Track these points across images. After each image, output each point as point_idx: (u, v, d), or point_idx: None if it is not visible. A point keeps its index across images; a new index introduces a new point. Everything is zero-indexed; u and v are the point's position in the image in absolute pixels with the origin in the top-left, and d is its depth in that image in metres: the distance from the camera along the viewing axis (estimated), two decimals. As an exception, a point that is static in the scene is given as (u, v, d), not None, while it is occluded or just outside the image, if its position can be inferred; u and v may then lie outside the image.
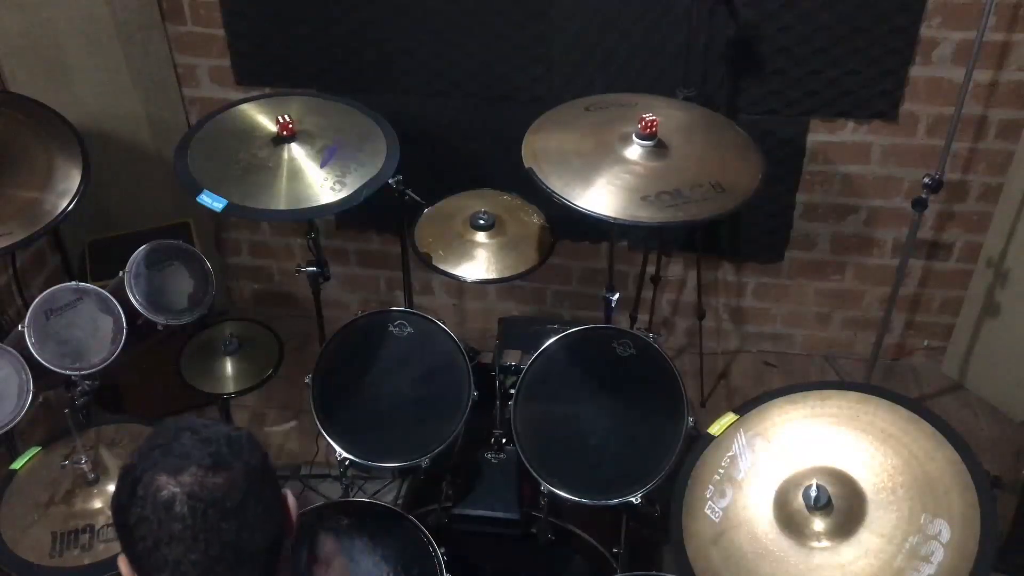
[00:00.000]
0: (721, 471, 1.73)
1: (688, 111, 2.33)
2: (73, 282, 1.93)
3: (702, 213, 1.95)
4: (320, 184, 2.14)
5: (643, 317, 2.95)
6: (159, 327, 1.96)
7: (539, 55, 2.70)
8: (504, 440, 2.29)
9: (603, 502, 2.06)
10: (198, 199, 2.07)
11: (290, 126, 2.18)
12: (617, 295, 2.37)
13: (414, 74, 2.79)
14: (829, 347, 3.19)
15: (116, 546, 1.11)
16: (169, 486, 1.04)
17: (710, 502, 1.70)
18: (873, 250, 2.94)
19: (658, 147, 2.07)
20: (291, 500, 1.18)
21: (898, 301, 2.81)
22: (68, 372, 1.87)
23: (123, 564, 1.10)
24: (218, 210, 2.06)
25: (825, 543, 1.54)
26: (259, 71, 2.88)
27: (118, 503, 1.07)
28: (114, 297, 1.92)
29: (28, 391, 1.83)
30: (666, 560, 2.37)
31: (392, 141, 2.28)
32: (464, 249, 2.34)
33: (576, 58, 2.69)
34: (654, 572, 2.01)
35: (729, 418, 1.81)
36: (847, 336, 3.15)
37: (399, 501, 2.53)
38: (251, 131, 2.26)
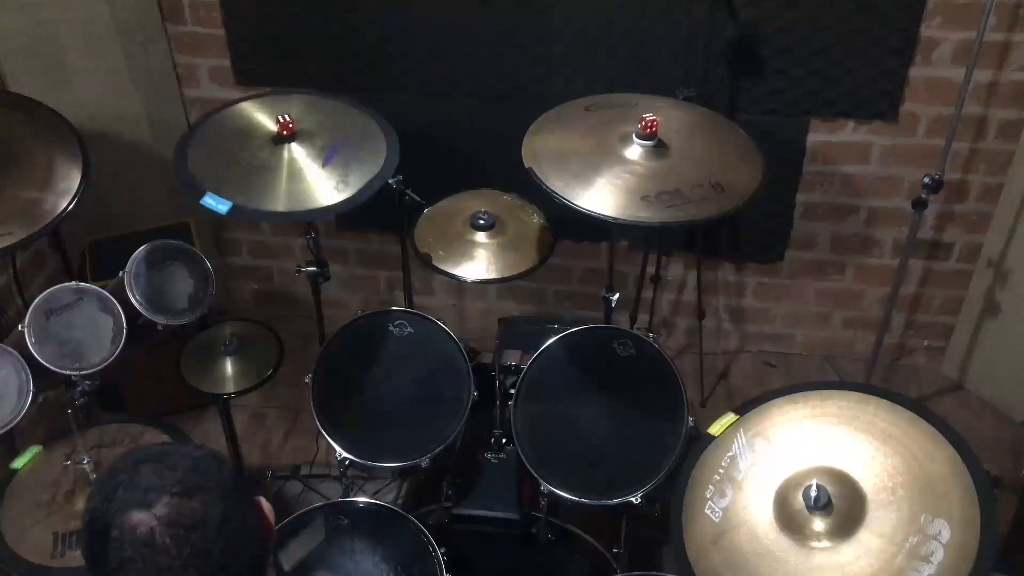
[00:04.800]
0: (721, 471, 1.73)
1: (688, 111, 2.33)
2: (73, 282, 1.92)
3: (702, 213, 1.95)
4: (323, 184, 2.14)
5: (643, 317, 2.95)
6: (159, 327, 1.96)
7: (539, 55, 2.70)
8: (504, 440, 2.29)
9: (603, 502, 2.06)
10: (201, 202, 2.06)
11: (290, 126, 2.18)
12: (617, 295, 2.37)
13: (414, 74, 2.79)
14: (829, 347, 3.19)
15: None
16: (144, 521, 0.99)
17: (710, 502, 1.70)
18: (873, 250, 2.94)
19: (658, 147, 2.07)
20: (266, 505, 1.15)
21: (898, 301, 2.81)
22: (68, 372, 1.86)
23: None
24: (223, 213, 2.05)
25: (825, 543, 1.54)
26: (259, 71, 2.88)
27: (91, 553, 1.01)
28: (114, 297, 1.92)
29: (28, 391, 1.83)
30: (666, 560, 2.36)
31: (392, 141, 2.28)
32: (464, 249, 2.34)
33: (576, 58, 2.69)
34: (654, 572, 2.01)
35: (729, 418, 1.81)
36: (847, 336, 3.15)
37: (399, 501, 2.53)
38: (251, 131, 2.25)
